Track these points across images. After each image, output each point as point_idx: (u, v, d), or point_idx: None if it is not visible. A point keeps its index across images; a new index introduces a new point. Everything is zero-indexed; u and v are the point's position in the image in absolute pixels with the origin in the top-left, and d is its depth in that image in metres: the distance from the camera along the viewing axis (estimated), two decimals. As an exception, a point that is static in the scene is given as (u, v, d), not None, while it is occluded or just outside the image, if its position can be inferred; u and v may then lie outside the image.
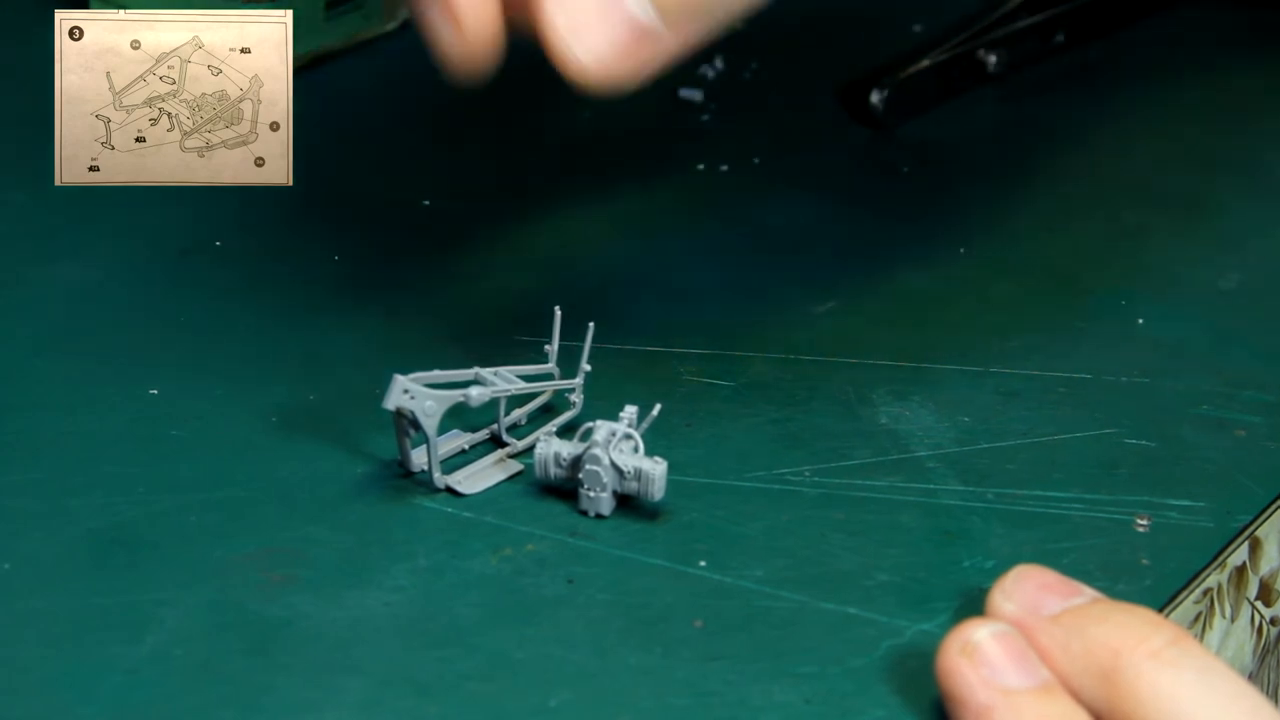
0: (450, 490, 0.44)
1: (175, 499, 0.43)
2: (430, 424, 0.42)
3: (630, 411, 0.44)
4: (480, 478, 0.44)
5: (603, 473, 0.42)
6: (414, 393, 0.42)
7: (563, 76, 0.41)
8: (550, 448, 0.43)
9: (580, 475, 0.43)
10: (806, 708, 0.38)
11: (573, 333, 0.46)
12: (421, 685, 0.38)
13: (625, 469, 0.43)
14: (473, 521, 0.43)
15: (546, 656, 0.39)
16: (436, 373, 0.43)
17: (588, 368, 0.46)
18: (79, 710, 0.37)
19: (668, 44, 0.42)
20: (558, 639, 0.39)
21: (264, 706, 0.37)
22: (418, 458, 0.44)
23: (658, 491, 0.43)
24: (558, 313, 0.46)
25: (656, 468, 0.42)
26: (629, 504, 0.43)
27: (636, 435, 0.43)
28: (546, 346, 0.46)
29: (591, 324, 0.45)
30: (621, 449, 0.43)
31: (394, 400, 0.42)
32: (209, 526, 0.42)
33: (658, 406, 0.44)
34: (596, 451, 0.42)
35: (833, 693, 0.38)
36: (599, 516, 0.43)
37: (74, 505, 0.42)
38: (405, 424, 0.43)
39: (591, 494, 0.43)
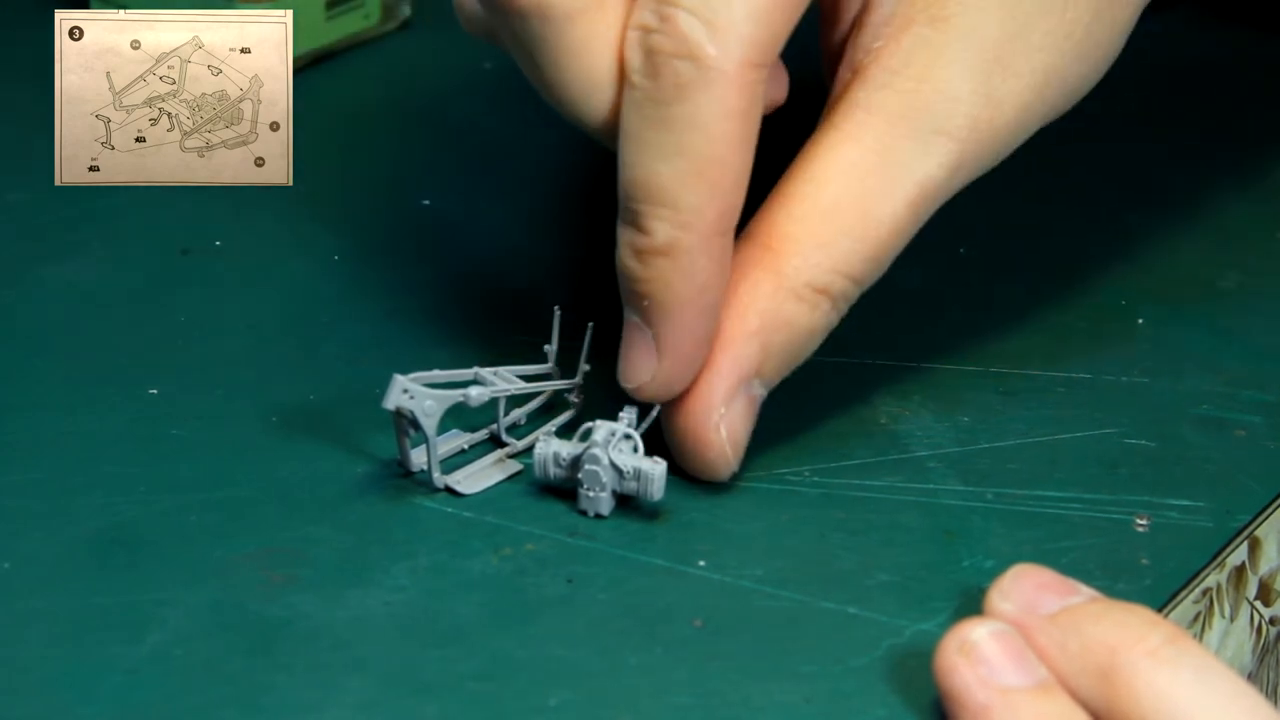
0: (450, 490, 0.44)
1: (176, 499, 0.43)
2: (430, 424, 0.42)
3: (630, 412, 0.44)
4: (480, 478, 0.44)
5: (602, 472, 0.43)
6: (413, 392, 0.42)
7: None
8: (550, 448, 0.43)
9: (579, 475, 0.43)
10: (807, 707, 0.38)
11: (572, 332, 0.46)
12: (422, 684, 0.38)
13: (624, 469, 0.43)
14: (473, 521, 0.43)
15: (546, 656, 0.39)
16: (436, 372, 0.43)
17: (587, 367, 0.46)
18: (79, 710, 0.37)
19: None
20: (558, 639, 0.40)
21: (264, 706, 0.37)
22: (417, 458, 0.44)
23: (657, 491, 0.43)
24: (557, 312, 0.46)
25: (656, 468, 0.42)
26: (628, 504, 0.43)
27: (636, 435, 0.43)
28: (546, 347, 0.46)
29: (591, 324, 0.45)
30: (621, 449, 0.43)
31: (393, 400, 0.42)
32: (209, 526, 0.42)
33: (657, 407, 0.44)
34: (596, 451, 0.42)
35: (833, 692, 0.38)
36: (598, 516, 0.43)
37: (74, 505, 0.43)
38: (405, 424, 0.43)
39: (591, 494, 0.43)
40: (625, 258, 0.42)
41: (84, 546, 0.41)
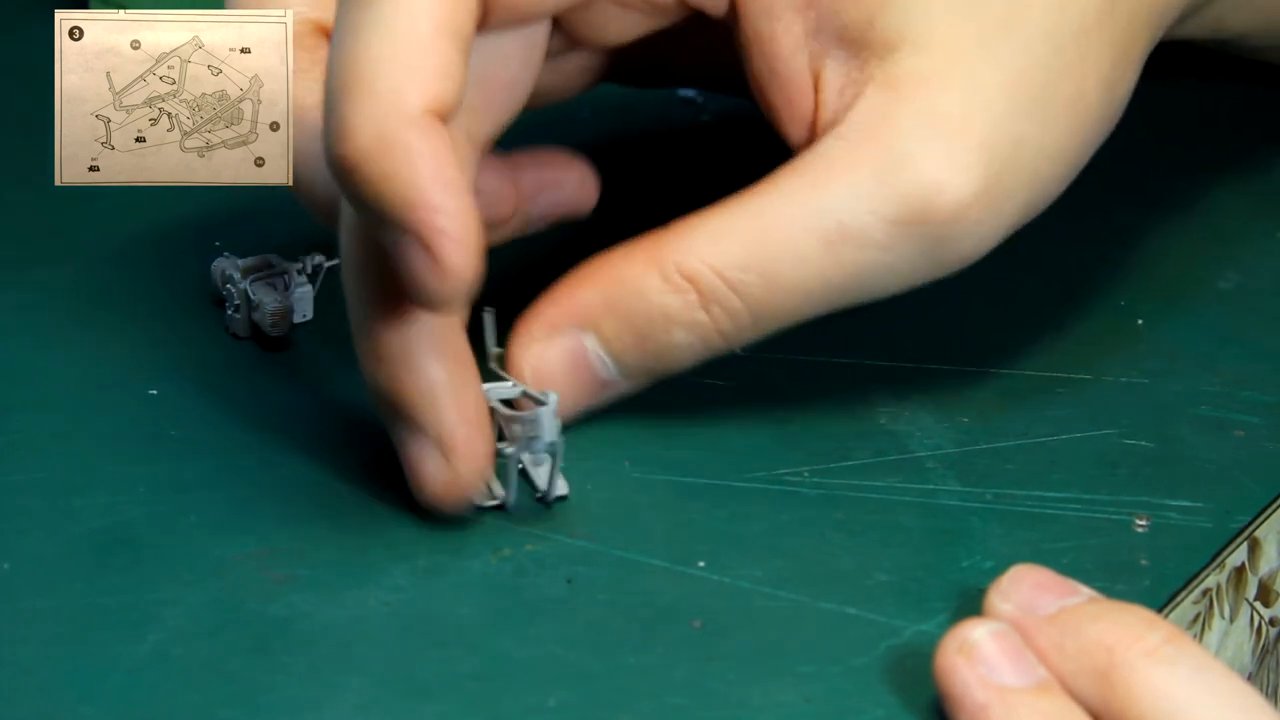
0: None
1: (176, 498, 0.43)
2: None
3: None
4: None
5: (235, 295, 0.48)
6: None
7: None
8: (225, 264, 0.49)
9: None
10: (806, 707, 0.38)
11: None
12: (421, 685, 0.38)
13: (253, 299, 0.48)
14: (472, 521, 0.43)
15: (545, 657, 0.39)
16: None
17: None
18: (80, 709, 0.37)
19: (622, 389, 0.44)
20: (557, 639, 0.40)
21: (264, 705, 0.38)
22: None
23: (271, 329, 0.47)
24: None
25: (271, 304, 0.47)
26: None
27: (293, 271, 0.48)
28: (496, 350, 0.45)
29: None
30: (265, 284, 0.48)
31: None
32: (210, 526, 0.42)
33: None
34: (234, 274, 0.48)
35: (832, 692, 0.38)
36: (235, 337, 0.48)
37: (75, 505, 0.43)
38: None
39: (229, 312, 0.48)
40: (366, 362, 0.41)
41: (85, 546, 0.41)
